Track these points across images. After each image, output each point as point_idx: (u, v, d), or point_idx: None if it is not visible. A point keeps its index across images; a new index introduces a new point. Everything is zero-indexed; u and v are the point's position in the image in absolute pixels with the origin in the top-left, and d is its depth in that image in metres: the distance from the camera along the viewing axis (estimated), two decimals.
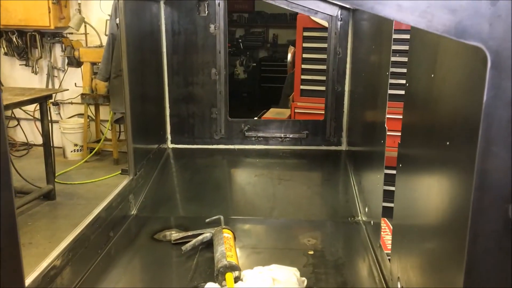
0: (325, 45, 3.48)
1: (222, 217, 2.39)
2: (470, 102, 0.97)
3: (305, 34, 4.09)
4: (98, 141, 7.19)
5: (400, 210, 1.78)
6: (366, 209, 2.49)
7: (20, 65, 7.61)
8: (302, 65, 4.15)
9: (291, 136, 3.40)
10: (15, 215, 0.79)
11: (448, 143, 1.26)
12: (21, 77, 7.63)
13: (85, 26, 7.16)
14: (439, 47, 1.37)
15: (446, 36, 0.65)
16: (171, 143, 3.41)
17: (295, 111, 4.18)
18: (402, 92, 3.13)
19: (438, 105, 1.36)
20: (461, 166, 1.09)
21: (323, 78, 3.57)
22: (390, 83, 2.07)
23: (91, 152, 7.11)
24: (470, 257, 0.89)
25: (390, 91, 2.09)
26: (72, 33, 7.25)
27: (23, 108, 7.23)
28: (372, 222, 2.31)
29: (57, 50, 7.56)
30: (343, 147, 3.37)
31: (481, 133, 0.83)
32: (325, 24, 3.56)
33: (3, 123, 0.78)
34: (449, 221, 1.15)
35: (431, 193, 1.40)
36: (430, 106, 1.46)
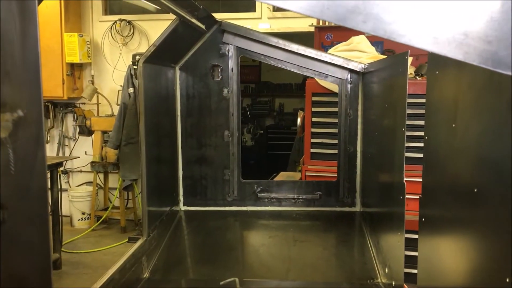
0: (333, 109, 3.55)
1: (237, 280, 2.32)
2: (501, 143, 0.97)
3: (314, 99, 4.17)
4: (105, 209, 7.13)
5: (425, 270, 1.73)
6: (386, 270, 2.41)
7: None
8: (312, 129, 4.20)
9: (304, 197, 3.37)
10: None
11: (475, 190, 1.24)
12: None
13: (97, 96, 7.37)
14: (458, 98, 1.40)
15: (482, 66, 0.66)
16: (184, 205, 3.38)
17: (306, 174, 4.17)
18: (417, 155, 3.14)
19: (462, 153, 1.36)
20: (495, 214, 1.06)
21: (333, 141, 3.60)
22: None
23: (98, 220, 7.04)
24: None
25: (405, 154, 2.09)
26: (84, 103, 7.43)
27: None
28: (393, 284, 2.23)
29: (69, 120, 7.71)
30: (357, 208, 3.33)
31: None
32: (334, 88, 3.65)
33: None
34: (487, 274, 1.11)
35: (459, 247, 1.36)
36: (452, 156, 1.46)
